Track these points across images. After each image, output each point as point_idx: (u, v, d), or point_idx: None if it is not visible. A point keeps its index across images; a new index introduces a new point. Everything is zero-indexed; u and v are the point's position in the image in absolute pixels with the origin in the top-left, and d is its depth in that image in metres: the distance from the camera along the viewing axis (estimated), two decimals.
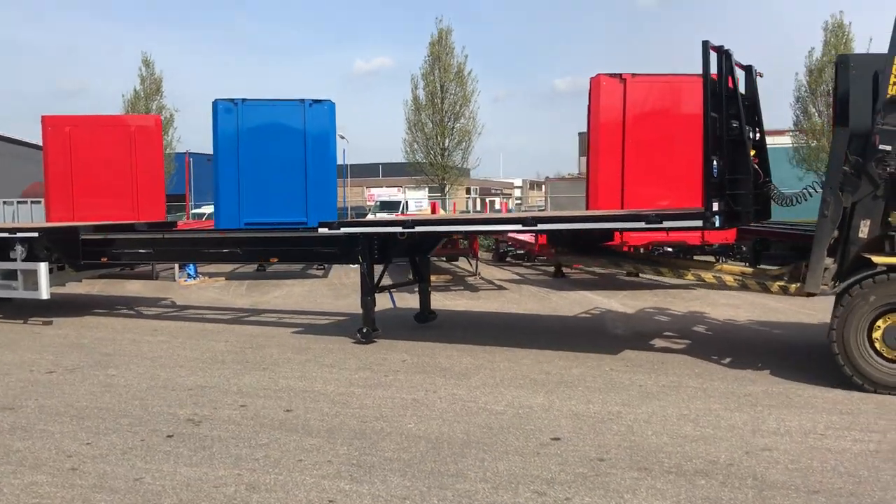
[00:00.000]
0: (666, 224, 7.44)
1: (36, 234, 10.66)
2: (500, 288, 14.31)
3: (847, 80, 7.16)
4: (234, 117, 16.31)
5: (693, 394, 6.55)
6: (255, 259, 12.73)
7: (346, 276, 16.76)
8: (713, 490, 4.40)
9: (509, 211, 50.98)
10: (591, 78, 12.78)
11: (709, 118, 6.87)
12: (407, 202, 38.69)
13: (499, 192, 71.09)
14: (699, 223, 7.13)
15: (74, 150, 17.22)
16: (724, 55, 7.17)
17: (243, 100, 16.42)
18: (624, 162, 12.65)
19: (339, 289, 14.96)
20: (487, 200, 59.77)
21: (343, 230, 8.97)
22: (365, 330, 8.94)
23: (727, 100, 7.16)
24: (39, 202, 22.02)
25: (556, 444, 5.27)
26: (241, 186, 16.39)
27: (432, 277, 16.02)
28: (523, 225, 8.43)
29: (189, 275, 17.10)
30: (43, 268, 10.61)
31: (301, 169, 16.47)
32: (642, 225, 7.78)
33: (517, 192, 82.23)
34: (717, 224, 7.03)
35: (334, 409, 6.24)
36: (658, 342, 8.94)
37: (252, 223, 16.20)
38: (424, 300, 10.45)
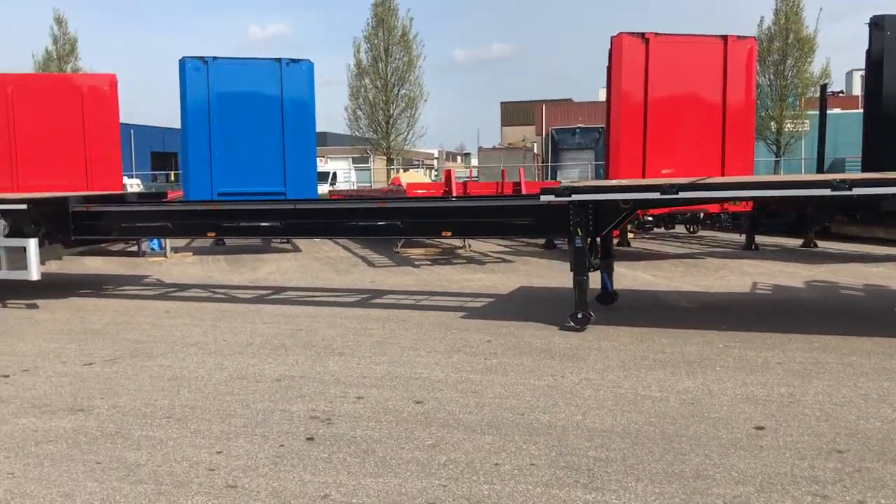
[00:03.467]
0: None
1: (24, 206, 9.32)
2: (503, 260, 13.72)
3: (882, 41, 6.91)
4: (204, 77, 15.05)
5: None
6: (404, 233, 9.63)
7: (320, 251, 15.81)
8: None
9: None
10: (612, 37, 12.23)
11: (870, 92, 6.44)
12: (335, 173, 37.44)
13: (419, 162, 70.05)
14: None
15: (17, 113, 15.51)
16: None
17: (214, 58, 15.16)
18: (646, 128, 12.21)
19: (330, 263, 14.04)
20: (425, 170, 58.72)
21: (576, 196, 7.39)
22: (580, 315, 7.65)
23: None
24: None
25: (767, 434, 4.73)
26: (212, 153, 15.19)
27: (417, 251, 15.39)
28: (832, 189, 6.56)
29: (152, 248, 15.79)
30: (32, 244, 9.31)
31: (278, 134, 15.41)
32: None
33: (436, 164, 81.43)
34: None
35: (470, 399, 5.52)
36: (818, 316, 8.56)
37: (226, 193, 15.06)
38: (607, 279, 8.83)
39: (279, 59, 15.31)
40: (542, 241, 16.13)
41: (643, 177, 12.15)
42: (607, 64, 12.56)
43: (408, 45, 29.23)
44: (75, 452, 4.66)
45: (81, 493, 4.06)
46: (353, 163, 42.67)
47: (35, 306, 9.79)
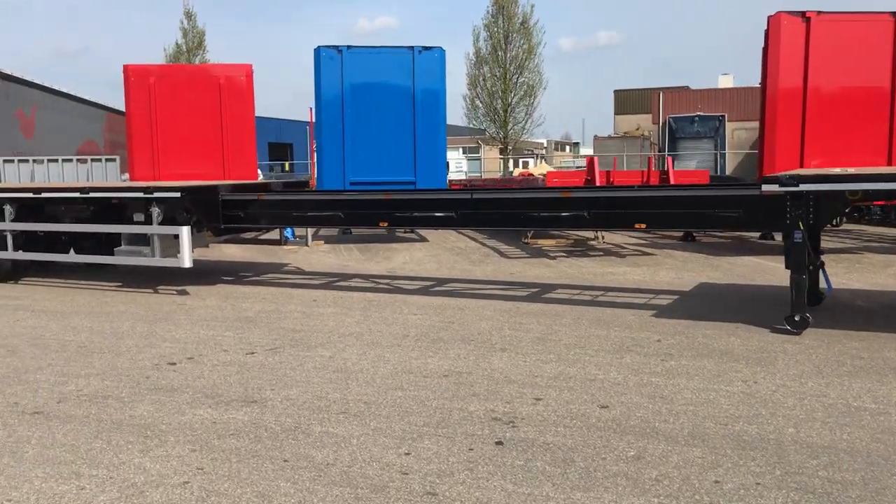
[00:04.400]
0: None
1: (178, 195, 9.44)
2: (643, 253, 13.11)
3: None
4: (339, 66, 15.00)
5: None
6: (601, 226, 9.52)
7: (446, 241, 15.57)
8: None
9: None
10: (770, 17, 11.42)
11: None
12: (448, 163, 37.30)
13: (529, 151, 69.12)
14: None
15: (157, 104, 15.96)
16: None
17: (348, 47, 15.09)
18: (805, 116, 11.36)
19: (462, 254, 13.79)
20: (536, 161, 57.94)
21: (804, 186, 6.67)
22: (797, 318, 6.94)
23: None
24: (99, 160, 20.78)
25: None
26: (345, 142, 15.16)
27: (548, 242, 14.95)
28: None
29: (286, 237, 15.98)
30: (186, 232, 9.42)
31: (409, 122, 15.20)
32: None
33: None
34: None
35: (661, 406, 5.10)
36: None
37: (357, 182, 15.03)
38: (826, 277, 7.87)
39: (412, 47, 15.13)
40: (680, 233, 15.40)
41: (801, 166, 11.31)
42: (763, 46, 11.75)
43: (528, 32, 28.76)
44: (259, 448, 4.52)
45: (276, 494, 3.89)
46: (464, 153, 42.53)
47: (185, 293, 9.93)
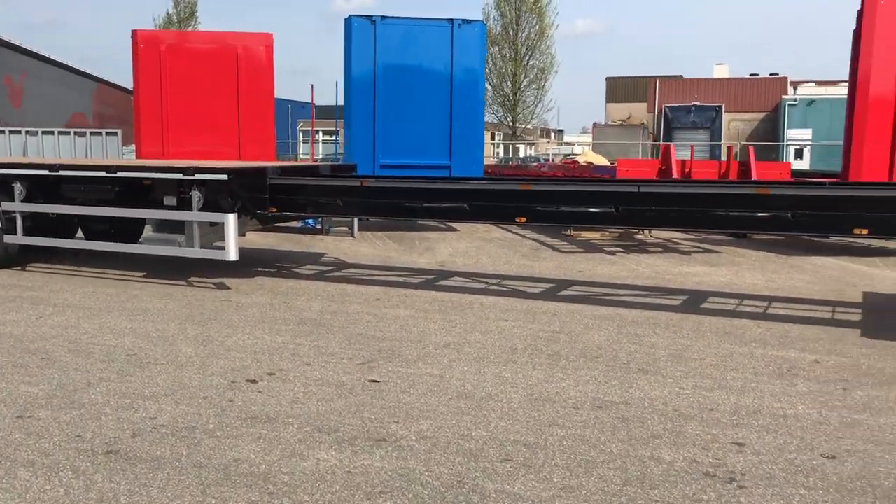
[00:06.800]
0: None
1: (225, 177, 8.24)
2: (704, 250, 12.14)
3: None
4: (371, 38, 13.78)
5: None
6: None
7: (478, 231, 14.46)
8: None
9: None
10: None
11: None
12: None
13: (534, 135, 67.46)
14: None
15: (166, 74, 14.64)
16: None
17: (382, 17, 13.88)
18: None
19: (507, 246, 12.73)
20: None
21: None
22: None
23: None
24: (100, 133, 19.35)
25: None
26: (376, 121, 13.98)
27: (591, 235, 13.95)
28: None
29: (306, 224, 14.77)
30: (232, 220, 8.25)
31: (446, 101, 14.03)
32: None
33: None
34: None
35: (886, 453, 4.11)
36: None
37: (388, 166, 13.89)
38: None
39: (451, 20, 13.97)
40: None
41: (891, 172, 10.39)
42: (854, 29, 10.80)
43: (541, 12, 27.62)
44: None
45: None
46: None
47: (225, 286, 8.79)
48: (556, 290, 8.85)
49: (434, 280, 9.49)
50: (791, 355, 6.11)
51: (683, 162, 12.59)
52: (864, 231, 6.34)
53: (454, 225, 15.22)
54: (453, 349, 6.25)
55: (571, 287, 9.00)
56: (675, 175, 11.99)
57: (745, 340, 6.56)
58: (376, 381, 5.38)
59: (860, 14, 10.56)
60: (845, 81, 42.71)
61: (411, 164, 13.69)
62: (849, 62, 11.12)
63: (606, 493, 3.69)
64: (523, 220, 7.64)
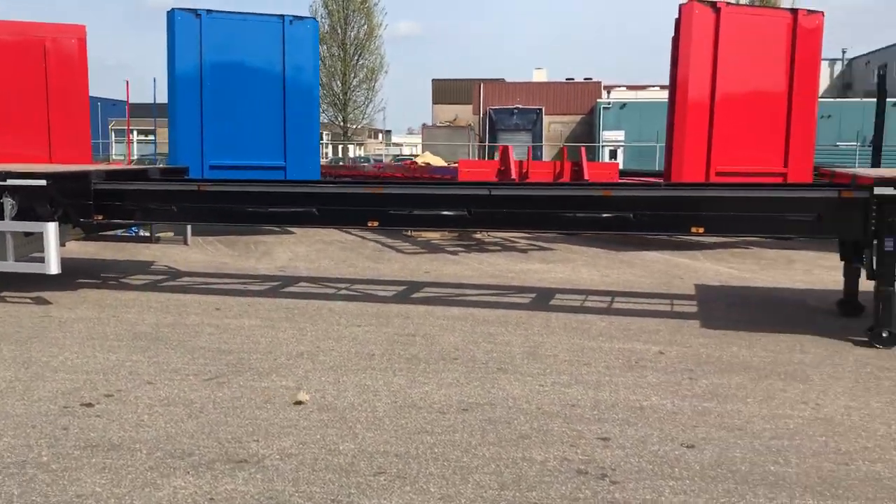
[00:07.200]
0: None
1: (43, 182, 7.46)
2: (541, 248, 12.47)
3: None
4: (197, 32, 13.08)
5: None
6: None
7: (317, 234, 14.12)
8: None
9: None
10: (682, 5, 11.11)
11: None
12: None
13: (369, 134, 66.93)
14: None
15: None
16: None
17: (207, 11, 13.22)
18: (713, 118, 11.18)
19: (349, 248, 12.50)
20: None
21: None
22: (885, 334, 6.22)
23: None
24: None
25: None
26: (204, 120, 13.30)
27: (432, 235, 14.03)
28: None
29: (133, 232, 13.77)
30: (52, 230, 7.49)
31: (279, 100, 13.60)
32: None
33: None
34: None
35: (750, 442, 4.33)
36: None
37: (218, 167, 13.27)
38: (854, 284, 7.47)
39: (282, 16, 13.53)
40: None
41: (707, 172, 11.14)
42: (672, 37, 11.48)
43: (368, 12, 27.51)
44: None
45: None
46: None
47: (45, 301, 8.00)
48: (405, 292, 8.76)
49: (277, 286, 9.13)
50: (637, 347, 6.35)
51: (521, 163, 12.91)
52: (701, 229, 6.66)
53: (291, 228, 14.78)
54: (307, 359, 5.99)
55: (421, 289, 8.94)
56: (514, 176, 12.26)
57: (592, 335, 6.75)
58: (224, 395, 5.05)
59: (678, 22, 11.24)
60: (654, 86, 45.69)
61: (244, 166, 13.18)
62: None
63: (486, 500, 3.62)
64: (376, 223, 7.49)
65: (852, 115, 35.23)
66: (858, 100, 38.70)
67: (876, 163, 12.64)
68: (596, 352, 6.21)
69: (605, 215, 6.88)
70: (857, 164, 25.97)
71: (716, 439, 4.38)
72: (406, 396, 5.10)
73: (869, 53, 54.62)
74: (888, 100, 14.35)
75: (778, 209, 6.56)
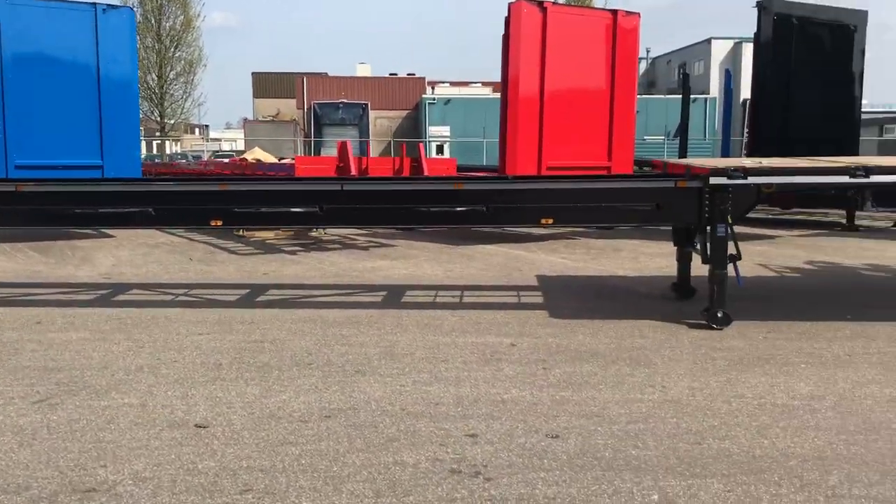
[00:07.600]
0: None
1: None
2: (381, 245, 12.41)
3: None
4: None
5: None
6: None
7: (138, 237, 13.35)
8: None
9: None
10: (511, 4, 11.38)
11: None
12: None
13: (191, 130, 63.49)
14: None
15: None
16: None
17: None
18: (542, 114, 11.57)
19: (176, 251, 11.86)
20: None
21: (753, 179, 6.38)
22: (720, 314, 6.62)
23: None
24: None
25: None
26: (6, 115, 12.19)
27: (267, 235, 13.63)
28: None
29: None
30: None
31: (93, 95, 12.74)
32: None
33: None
34: None
35: (609, 428, 4.49)
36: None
37: (26, 167, 12.21)
38: (686, 269, 7.91)
39: (94, 4, 12.59)
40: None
41: (539, 166, 11.54)
42: (503, 34, 11.74)
43: (184, 3, 26.24)
44: None
45: None
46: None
47: None
48: (247, 296, 8.40)
49: (104, 295, 8.48)
50: (490, 340, 6.43)
51: (360, 159, 12.76)
52: (550, 221, 6.84)
53: (111, 231, 13.82)
54: (149, 373, 5.59)
55: (263, 292, 8.60)
56: (354, 172, 12.11)
57: (445, 331, 6.77)
58: (60, 418, 4.60)
59: (507, 20, 11.53)
60: (477, 82, 46.72)
61: (56, 165, 12.24)
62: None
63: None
64: (219, 222, 7.10)
65: (657, 110, 37.91)
66: (662, 96, 41.67)
67: (682, 154, 13.62)
68: (451, 347, 6.23)
69: (459, 209, 6.91)
70: (665, 156, 27.98)
71: (577, 427, 4.50)
72: (263, 407, 4.87)
73: (670, 53, 58.94)
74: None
75: (622, 199, 6.87)
